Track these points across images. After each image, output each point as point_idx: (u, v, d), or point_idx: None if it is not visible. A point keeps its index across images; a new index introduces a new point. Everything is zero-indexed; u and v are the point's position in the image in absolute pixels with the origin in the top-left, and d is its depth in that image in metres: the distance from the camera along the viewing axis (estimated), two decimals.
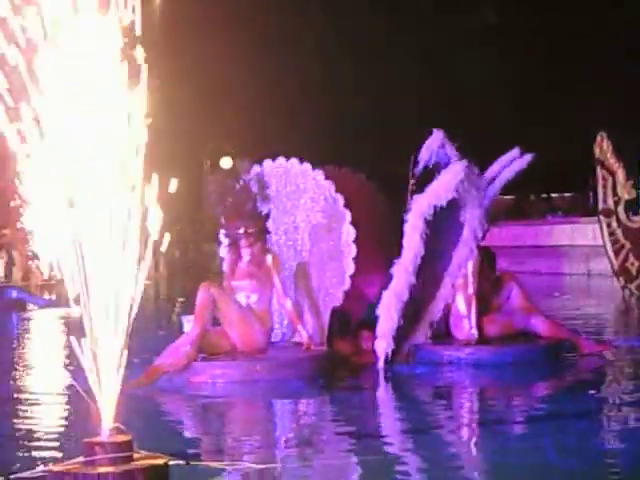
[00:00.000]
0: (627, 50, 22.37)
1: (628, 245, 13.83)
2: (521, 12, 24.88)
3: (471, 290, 7.80)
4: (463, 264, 7.85)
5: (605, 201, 13.94)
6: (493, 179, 8.09)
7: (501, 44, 24.34)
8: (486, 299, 7.95)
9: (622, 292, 13.90)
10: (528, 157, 8.05)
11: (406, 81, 25.18)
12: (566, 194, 25.75)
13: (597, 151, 13.82)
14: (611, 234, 13.96)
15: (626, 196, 13.77)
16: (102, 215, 4.17)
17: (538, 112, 24.28)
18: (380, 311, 7.54)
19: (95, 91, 4.18)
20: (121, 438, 4.20)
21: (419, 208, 7.59)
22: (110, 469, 4.11)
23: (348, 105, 24.89)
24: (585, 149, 22.31)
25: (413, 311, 7.70)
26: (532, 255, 18.82)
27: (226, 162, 31.17)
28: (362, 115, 24.79)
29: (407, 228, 7.61)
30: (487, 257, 8.14)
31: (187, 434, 5.69)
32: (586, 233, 17.48)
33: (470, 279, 7.81)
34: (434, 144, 7.91)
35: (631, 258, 13.81)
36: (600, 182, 14.00)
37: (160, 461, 4.25)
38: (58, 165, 4.15)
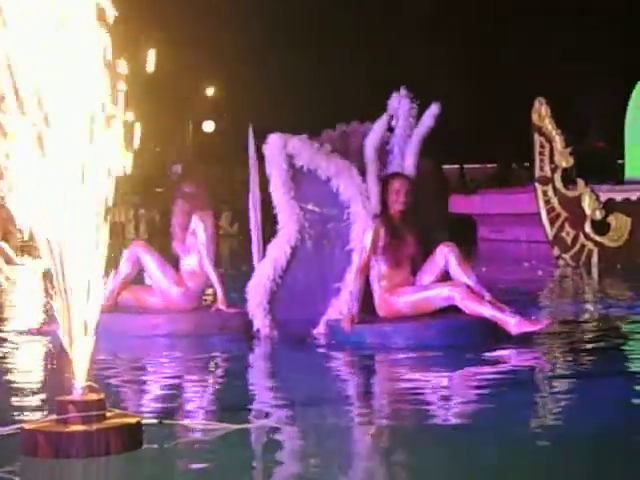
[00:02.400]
0: None
1: (564, 214, 13.56)
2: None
3: (360, 263, 7.14)
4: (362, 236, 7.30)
5: (542, 169, 13.68)
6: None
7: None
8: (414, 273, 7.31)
9: (556, 262, 13.45)
10: (434, 109, 7.64)
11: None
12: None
13: (535, 117, 13.47)
14: (547, 202, 13.61)
15: (563, 164, 13.51)
16: (75, 171, 4.15)
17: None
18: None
19: (67, 41, 4.14)
20: (94, 396, 4.19)
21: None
22: (82, 427, 4.11)
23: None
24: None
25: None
26: (512, 223, 18.83)
27: (208, 125, 30.99)
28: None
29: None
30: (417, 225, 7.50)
31: (161, 393, 5.69)
32: None
33: (363, 252, 7.16)
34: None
35: (567, 227, 13.53)
36: (537, 149, 13.68)
37: (133, 420, 4.26)
38: (29, 119, 4.12)
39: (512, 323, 6.81)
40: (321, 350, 6.92)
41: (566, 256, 13.47)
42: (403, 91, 7.69)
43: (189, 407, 5.26)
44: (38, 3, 4.10)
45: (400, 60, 24.11)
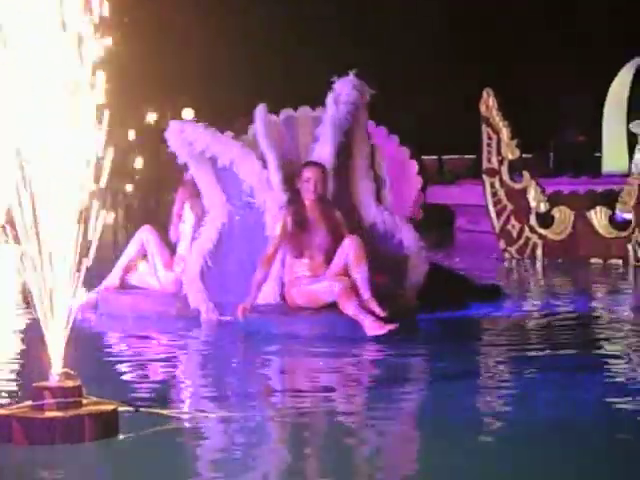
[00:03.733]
0: None
1: (510, 206, 13.36)
2: None
3: (266, 253, 7.12)
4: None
5: (489, 160, 13.51)
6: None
7: None
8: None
9: (502, 255, 13.09)
10: (344, 89, 7.45)
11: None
12: (525, 155, 25.84)
13: (483, 108, 13.27)
14: (494, 195, 13.29)
15: (510, 156, 13.35)
16: (53, 161, 4.13)
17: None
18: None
19: (45, 29, 4.12)
20: (70, 383, 4.18)
21: None
22: (58, 414, 4.10)
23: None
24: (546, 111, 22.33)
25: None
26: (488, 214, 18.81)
27: (188, 113, 30.94)
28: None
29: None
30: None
31: (137, 380, 5.67)
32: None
33: (270, 242, 7.18)
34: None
35: (512, 220, 13.31)
36: (485, 141, 13.48)
37: (109, 407, 4.24)
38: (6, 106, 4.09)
39: (366, 325, 6.65)
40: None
41: (511, 249, 13.25)
42: (351, 77, 7.51)
43: (167, 394, 5.25)
44: None
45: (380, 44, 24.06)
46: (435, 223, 15.49)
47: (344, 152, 7.58)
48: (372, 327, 6.63)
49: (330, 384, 5.58)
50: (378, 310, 6.71)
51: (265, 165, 7.49)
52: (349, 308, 6.71)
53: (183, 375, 6.02)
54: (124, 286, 8.10)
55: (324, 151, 7.45)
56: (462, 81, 21.36)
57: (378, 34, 24.36)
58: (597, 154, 18.85)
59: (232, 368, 6.20)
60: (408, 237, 7.57)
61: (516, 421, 4.59)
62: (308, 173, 7.18)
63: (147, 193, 27.55)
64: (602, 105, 17.48)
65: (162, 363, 6.20)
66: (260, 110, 7.58)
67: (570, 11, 23.99)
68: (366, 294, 6.81)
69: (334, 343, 6.58)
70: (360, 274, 6.85)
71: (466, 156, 29.26)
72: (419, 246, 7.58)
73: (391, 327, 6.60)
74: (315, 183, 7.14)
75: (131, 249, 8.15)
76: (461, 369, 5.83)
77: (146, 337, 7.04)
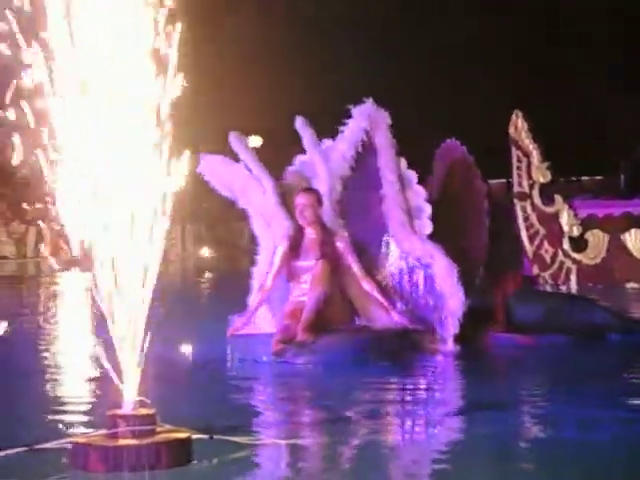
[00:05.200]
0: None
1: (542, 231, 13.07)
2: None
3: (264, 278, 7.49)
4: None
5: (520, 184, 13.21)
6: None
7: None
8: None
9: (537, 280, 12.55)
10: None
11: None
12: (597, 177, 25.54)
13: (512, 130, 13.02)
14: (525, 219, 13.02)
15: (541, 179, 13.05)
16: (127, 193, 4.18)
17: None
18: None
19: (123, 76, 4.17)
20: (144, 411, 4.20)
21: None
22: (133, 442, 4.11)
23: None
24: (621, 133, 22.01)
25: None
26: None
27: (255, 140, 31.09)
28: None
29: None
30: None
31: (213, 408, 5.67)
32: None
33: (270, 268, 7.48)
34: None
35: (545, 245, 13.04)
36: (515, 164, 13.19)
37: (183, 435, 4.25)
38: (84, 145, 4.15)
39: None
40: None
41: (545, 274, 12.95)
42: (367, 105, 7.68)
43: (240, 423, 5.24)
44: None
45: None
46: None
47: (370, 182, 7.66)
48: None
49: (403, 412, 5.53)
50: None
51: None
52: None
53: (258, 402, 6.00)
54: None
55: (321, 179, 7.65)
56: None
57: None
58: None
59: (306, 396, 6.18)
60: (442, 266, 7.42)
61: None
62: (299, 199, 7.39)
63: (215, 222, 27.80)
64: None
65: (237, 390, 6.21)
66: (234, 139, 7.73)
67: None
68: (304, 317, 7.04)
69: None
70: (309, 298, 7.12)
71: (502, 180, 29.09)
72: (454, 275, 7.40)
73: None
74: (303, 209, 7.32)
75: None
76: None
77: (223, 364, 7.04)
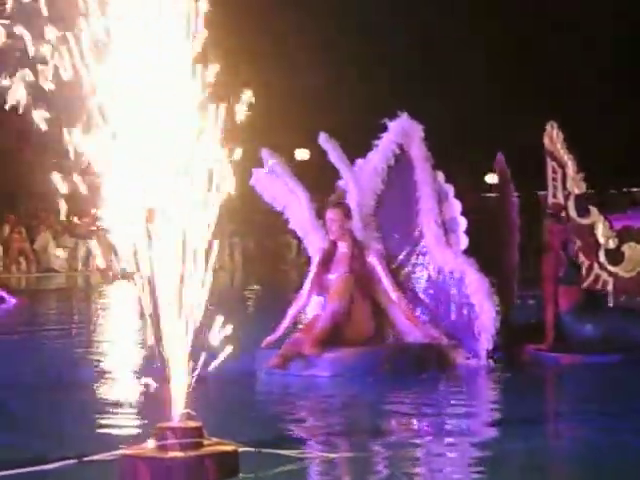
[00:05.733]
0: None
1: (578, 243, 12.90)
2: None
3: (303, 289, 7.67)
4: None
5: (555, 195, 13.04)
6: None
7: None
8: None
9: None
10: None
11: None
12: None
13: (547, 141, 12.85)
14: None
15: (576, 190, 12.86)
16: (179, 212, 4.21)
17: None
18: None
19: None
20: (192, 424, 4.23)
21: None
22: (180, 454, 4.14)
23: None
24: None
25: None
26: None
27: (302, 153, 31.17)
28: None
29: None
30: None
31: (259, 422, 5.69)
32: None
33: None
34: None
35: (581, 257, 12.85)
36: (550, 175, 13.03)
37: (230, 448, 4.27)
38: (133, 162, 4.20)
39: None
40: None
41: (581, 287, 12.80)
42: (403, 118, 7.69)
43: (287, 436, 5.25)
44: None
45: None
46: None
47: (407, 197, 7.66)
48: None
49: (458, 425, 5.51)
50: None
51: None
52: None
53: (306, 415, 6.01)
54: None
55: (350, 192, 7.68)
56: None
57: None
58: None
59: (356, 409, 6.18)
60: (473, 280, 7.37)
61: None
62: (327, 214, 7.48)
63: (262, 235, 27.87)
64: None
65: (284, 403, 6.22)
66: (265, 154, 7.77)
67: None
68: (315, 331, 7.10)
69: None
70: (324, 313, 7.24)
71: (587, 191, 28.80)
72: (486, 289, 7.35)
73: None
74: (331, 224, 7.39)
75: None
76: None
77: (270, 376, 7.06)
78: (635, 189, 26.41)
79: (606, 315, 7.85)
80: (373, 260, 7.40)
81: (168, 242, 4.22)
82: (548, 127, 12.83)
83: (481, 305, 7.32)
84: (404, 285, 7.57)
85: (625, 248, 12.49)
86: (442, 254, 7.52)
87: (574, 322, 7.66)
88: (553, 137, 12.78)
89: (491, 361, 7.22)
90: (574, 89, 24.76)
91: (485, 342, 7.26)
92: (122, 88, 4.18)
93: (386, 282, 7.41)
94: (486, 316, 7.29)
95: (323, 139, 7.74)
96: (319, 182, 8.32)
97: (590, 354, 7.42)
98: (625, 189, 28.53)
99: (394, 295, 7.40)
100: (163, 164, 4.23)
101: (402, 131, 7.68)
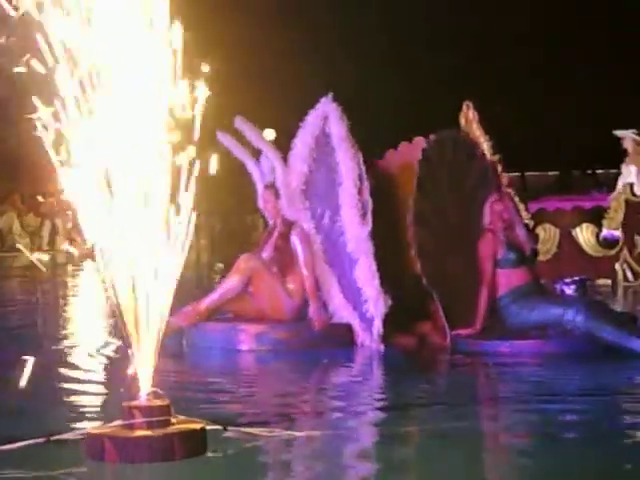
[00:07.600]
0: None
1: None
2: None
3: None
4: None
5: None
6: None
7: None
8: None
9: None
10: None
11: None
12: (612, 170, 25.48)
13: (462, 122, 12.86)
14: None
15: None
16: (140, 187, 4.21)
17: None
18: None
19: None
20: (159, 402, 4.24)
21: None
22: (148, 433, 4.15)
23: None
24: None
25: None
26: None
27: (269, 133, 31.00)
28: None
29: None
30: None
31: (226, 399, 5.71)
32: None
33: None
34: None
35: None
36: None
37: (197, 426, 4.29)
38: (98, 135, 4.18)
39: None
40: None
41: None
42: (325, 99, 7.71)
43: (254, 414, 5.28)
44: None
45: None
46: None
47: (329, 177, 7.68)
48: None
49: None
50: None
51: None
52: None
53: (272, 393, 6.03)
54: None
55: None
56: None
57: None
58: None
59: (327, 387, 6.23)
60: (365, 268, 7.38)
61: None
62: (261, 197, 7.79)
63: (229, 215, 27.80)
64: None
65: (251, 381, 6.24)
66: (239, 121, 7.79)
67: None
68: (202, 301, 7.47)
69: None
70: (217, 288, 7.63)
71: (549, 173, 28.96)
72: (374, 281, 7.33)
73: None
74: (265, 205, 7.72)
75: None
76: None
77: (236, 354, 7.10)
78: (599, 171, 26.62)
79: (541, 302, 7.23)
80: (294, 239, 7.51)
81: (129, 210, 4.21)
82: (464, 107, 12.81)
83: (370, 293, 7.35)
84: (330, 263, 7.57)
85: (539, 230, 12.46)
86: (352, 234, 7.52)
87: (507, 307, 7.09)
88: (469, 117, 12.77)
89: (382, 345, 7.19)
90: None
91: (375, 327, 7.27)
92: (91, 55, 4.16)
93: (301, 260, 7.48)
94: (375, 303, 7.30)
95: (238, 121, 7.80)
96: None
97: (516, 340, 6.94)
98: (589, 171, 28.76)
99: (304, 271, 7.45)
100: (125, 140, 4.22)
101: (322, 113, 7.72)
